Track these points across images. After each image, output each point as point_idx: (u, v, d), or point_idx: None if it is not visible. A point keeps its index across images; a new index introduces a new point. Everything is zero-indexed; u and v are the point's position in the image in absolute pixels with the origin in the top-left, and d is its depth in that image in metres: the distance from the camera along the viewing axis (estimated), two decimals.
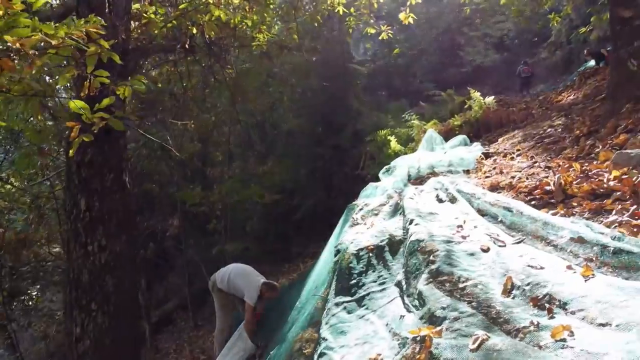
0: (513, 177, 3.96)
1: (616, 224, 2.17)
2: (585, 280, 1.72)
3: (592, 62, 12.62)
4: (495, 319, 1.74)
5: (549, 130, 6.03)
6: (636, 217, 2.13)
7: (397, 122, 12.66)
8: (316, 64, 12.20)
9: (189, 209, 9.22)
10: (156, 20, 5.32)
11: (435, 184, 3.80)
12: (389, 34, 8.96)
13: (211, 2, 5.70)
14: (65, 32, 2.36)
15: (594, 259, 1.90)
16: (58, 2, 6.67)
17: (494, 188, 3.85)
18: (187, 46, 6.46)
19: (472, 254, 2.30)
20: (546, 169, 4.07)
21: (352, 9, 8.68)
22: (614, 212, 2.37)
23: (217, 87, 8.50)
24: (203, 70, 7.87)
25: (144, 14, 5.27)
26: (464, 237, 2.52)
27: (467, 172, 5.18)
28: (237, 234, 10.98)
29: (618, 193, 2.55)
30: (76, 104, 2.83)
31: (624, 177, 2.66)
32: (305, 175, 11.62)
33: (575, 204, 2.72)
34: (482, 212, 2.97)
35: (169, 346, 9.70)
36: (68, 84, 6.21)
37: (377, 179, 9.33)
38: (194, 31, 6.12)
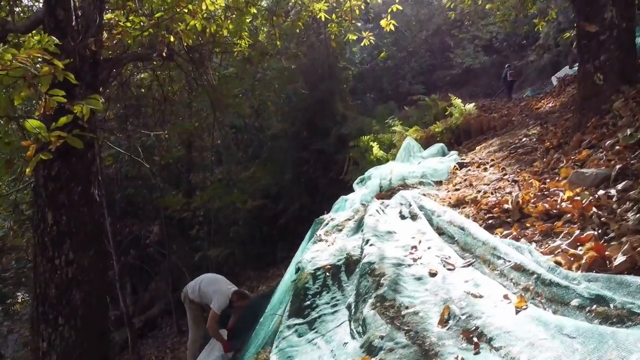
0: (479, 192, 3.98)
1: (559, 250, 2.19)
2: (516, 313, 1.74)
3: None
4: (427, 351, 1.75)
5: (524, 139, 6.07)
6: (577, 245, 2.15)
7: (382, 126, 12.69)
8: (302, 68, 12.20)
9: (172, 214, 9.17)
10: (130, 31, 5.29)
11: (400, 198, 3.81)
12: (371, 40, 8.97)
13: (186, 11, 5.68)
14: (11, 55, 2.34)
15: (530, 288, 1.91)
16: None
17: (459, 203, 3.87)
18: (164, 54, 6.41)
19: (419, 279, 2.31)
20: (513, 183, 4.09)
21: (334, 16, 8.68)
22: (560, 235, 2.39)
23: (200, 93, 8.47)
24: (185, 76, 7.84)
25: (118, 24, 5.23)
26: (415, 260, 2.53)
27: (440, 183, 5.20)
28: (222, 239, 10.95)
29: (568, 215, 2.58)
30: (31, 124, 2.82)
31: (575, 198, 2.69)
32: (290, 179, 11.62)
33: (528, 224, 2.74)
34: (440, 231, 2.98)
35: (151, 352, 9.66)
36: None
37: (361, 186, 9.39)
38: (172, 39, 6.10)
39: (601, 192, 2.63)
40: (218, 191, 8.95)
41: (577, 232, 2.28)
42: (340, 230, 3.61)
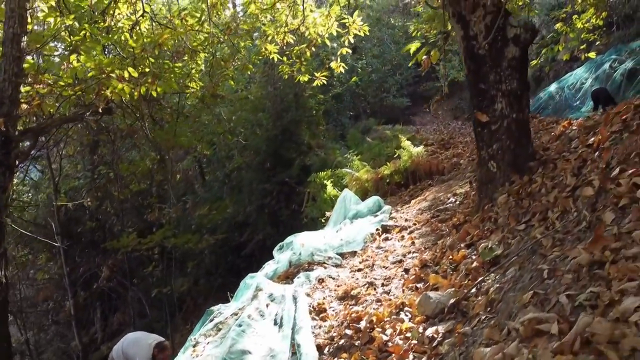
0: (367, 284, 4.04)
1: None
2: None
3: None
4: None
5: (450, 199, 6.11)
6: None
7: (353, 149, 12.74)
8: (267, 99, 12.25)
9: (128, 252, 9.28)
10: (47, 103, 5.37)
11: (282, 289, 3.88)
12: (323, 81, 9.02)
13: (113, 76, 5.75)
14: None
15: None
16: None
17: (345, 296, 3.93)
18: (101, 110, 6.48)
19: None
20: (403, 273, 4.16)
21: (284, 58, 8.74)
22: None
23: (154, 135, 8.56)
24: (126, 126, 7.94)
25: (35, 96, 5.30)
26: None
27: (355, 253, 5.27)
28: (185, 270, 11.05)
29: (393, 357, 2.63)
30: None
31: (408, 334, 2.74)
32: (255, 210, 11.69)
33: (364, 357, 2.80)
34: (293, 350, 3.04)
35: None
36: None
37: (317, 222, 9.44)
38: (108, 94, 6.17)
39: (430, 330, 2.68)
40: (169, 232, 9.02)
41: None
42: (218, 330, 3.68)
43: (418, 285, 3.58)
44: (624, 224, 2.19)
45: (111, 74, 5.68)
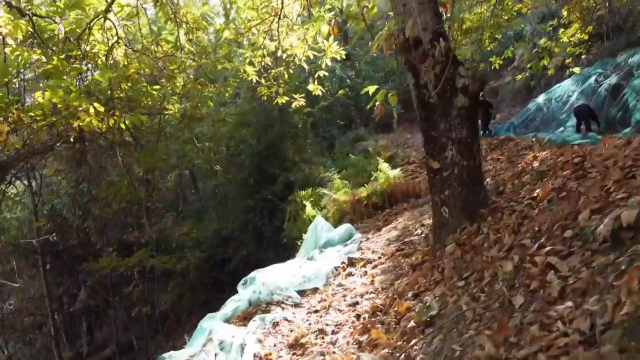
0: (318, 331, 4.07)
1: None
2: None
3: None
4: None
5: (417, 231, 6.14)
6: None
7: (338, 163, 12.76)
8: (251, 115, 12.28)
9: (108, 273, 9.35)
10: (11, 140, 5.41)
11: (233, 336, 3.91)
12: (302, 103, 9.07)
13: (80, 108, 5.79)
14: None
15: None
16: None
17: (295, 343, 3.97)
18: (72, 140, 6.52)
19: None
20: (355, 319, 4.19)
21: (262, 80, 8.79)
22: None
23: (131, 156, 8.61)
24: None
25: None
26: None
27: (317, 289, 5.31)
28: (168, 287, 11.09)
29: None
30: None
31: None
32: (238, 226, 11.73)
33: None
34: None
35: None
36: None
37: (296, 243, 9.47)
38: (76, 125, 6.21)
39: None
40: (146, 254, 9.06)
41: None
42: None
43: (361, 339, 3.61)
44: (528, 313, 2.22)
45: (78, 108, 5.72)
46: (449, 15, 4.35)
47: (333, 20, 5.10)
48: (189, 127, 8.91)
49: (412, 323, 3.32)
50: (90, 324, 12.86)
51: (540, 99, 16.18)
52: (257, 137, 11.95)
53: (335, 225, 8.47)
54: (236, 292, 11.67)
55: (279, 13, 7.57)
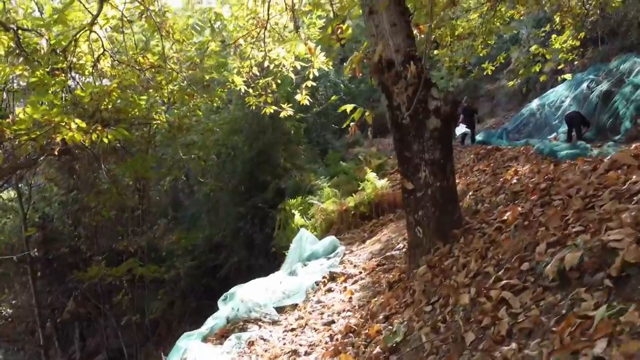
0: (291, 352, 4.09)
1: None
2: None
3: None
4: None
5: (397, 246, 6.15)
6: None
7: (331, 170, 12.78)
8: (242, 122, 12.29)
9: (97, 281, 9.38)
10: None
11: (208, 356, 3.93)
12: (289, 113, 9.09)
13: (62, 124, 5.81)
14: None
15: None
16: None
17: None
18: (57, 152, 6.55)
19: None
20: (330, 339, 4.21)
21: (250, 90, 8.81)
22: None
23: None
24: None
25: None
26: None
27: (296, 306, 5.33)
28: (159, 294, 11.11)
29: None
30: None
31: None
32: (230, 233, 11.75)
33: None
34: None
35: None
36: None
37: (285, 252, 9.48)
38: (59, 140, 6.24)
39: None
40: (135, 263, 9.07)
41: None
42: None
43: None
44: (476, 352, 2.24)
45: (60, 123, 5.75)
46: (422, 36, 4.35)
47: (309, 42, 5.11)
48: (176, 137, 8.92)
49: (378, 348, 3.33)
50: (82, 331, 12.89)
51: (534, 104, 16.21)
52: (248, 144, 11.97)
53: (323, 235, 8.50)
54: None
55: (265, 25, 7.59)
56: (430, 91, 4.08)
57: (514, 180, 5.40)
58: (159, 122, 8.69)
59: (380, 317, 3.96)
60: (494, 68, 14.48)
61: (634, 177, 2.89)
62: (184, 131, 8.77)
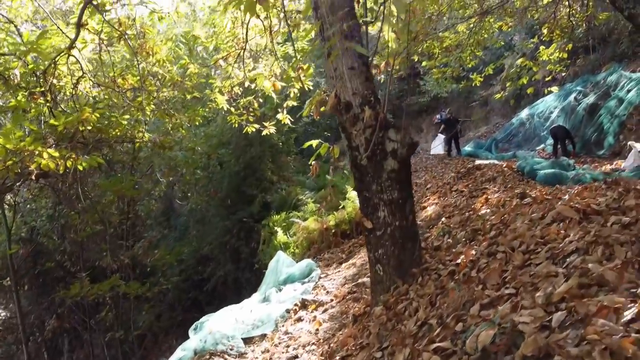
0: None
1: None
2: None
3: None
4: None
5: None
6: None
7: (319, 182, 12.80)
8: (229, 134, 12.33)
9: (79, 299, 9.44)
10: None
11: None
12: (271, 131, 9.13)
13: (36, 152, 5.88)
14: None
15: None
16: None
17: None
18: (34, 177, 6.61)
19: None
20: None
21: (232, 109, 8.86)
22: None
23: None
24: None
25: None
26: None
27: (264, 336, 5.38)
28: (147, 307, 11.17)
29: None
30: None
31: None
32: (216, 246, 11.81)
33: None
34: None
35: None
36: None
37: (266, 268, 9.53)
38: (33, 167, 6.30)
39: None
40: (117, 282, 9.12)
41: None
42: None
43: None
44: None
45: (34, 152, 5.81)
46: (380, 77, 4.39)
47: (273, 78, 5.16)
48: (160, 154, 8.98)
49: None
50: (71, 341, 12.96)
51: (524, 113, 16.28)
52: (235, 157, 12.02)
53: (304, 254, 8.56)
54: (216, 311, 11.72)
55: (244, 46, 7.64)
56: (387, 133, 4.12)
57: (482, 210, 5.45)
58: (141, 140, 8.76)
59: (337, 358, 4.01)
60: (482, 79, 14.56)
61: (572, 234, 2.94)
62: (166, 149, 8.82)
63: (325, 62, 4.28)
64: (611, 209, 3.08)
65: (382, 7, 4.12)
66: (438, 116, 14.76)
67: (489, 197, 6.00)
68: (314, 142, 4.76)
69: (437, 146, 15.51)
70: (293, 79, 4.78)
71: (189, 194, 11.03)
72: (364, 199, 4.32)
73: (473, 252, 3.79)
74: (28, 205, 11.61)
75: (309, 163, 4.63)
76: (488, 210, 5.23)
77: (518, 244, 3.18)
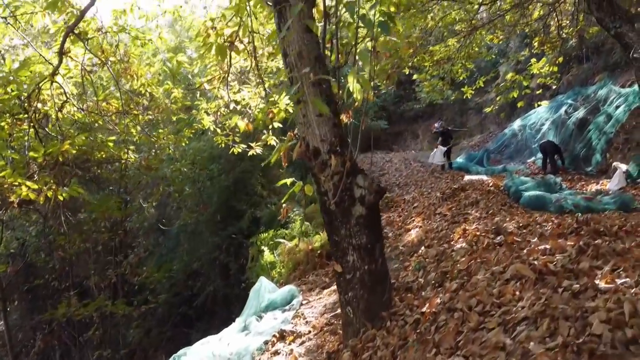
0: None
1: None
2: None
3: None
4: None
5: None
6: None
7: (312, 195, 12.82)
8: (221, 148, 12.35)
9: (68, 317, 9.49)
10: None
11: None
12: (257, 152, 9.16)
13: (15, 184, 5.92)
14: None
15: None
16: None
17: None
18: (16, 204, 6.65)
19: None
20: None
21: (218, 130, 8.90)
22: None
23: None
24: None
25: None
26: None
27: None
28: (135, 324, 11.22)
29: None
30: None
31: None
32: (206, 262, 11.84)
33: None
34: None
35: None
36: None
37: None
38: (13, 198, 6.34)
39: None
40: (102, 302, 9.16)
41: None
42: None
43: None
44: None
45: (14, 184, 5.85)
46: (349, 121, 4.41)
47: (245, 119, 5.18)
48: (147, 174, 9.02)
49: None
50: (62, 356, 13.02)
51: (516, 124, 16.30)
52: (225, 172, 12.04)
53: (289, 275, 8.59)
54: (204, 330, 11.76)
55: (228, 70, 7.66)
56: (355, 179, 4.15)
57: (458, 244, 5.47)
58: (126, 161, 8.80)
59: None
60: (473, 92, 14.57)
61: (525, 297, 2.96)
62: (152, 170, 8.85)
63: (295, 107, 4.30)
64: (566, 271, 3.10)
65: (349, 54, 4.16)
66: (437, 124, 14.79)
67: (467, 228, 6.02)
68: (288, 181, 4.78)
69: (437, 156, 15.33)
70: (265, 122, 4.80)
71: (180, 208, 11.07)
72: (334, 243, 4.35)
73: (438, 300, 3.82)
74: (18, 221, 11.65)
75: (281, 202, 4.64)
76: (463, 245, 5.26)
77: (475, 303, 3.20)
